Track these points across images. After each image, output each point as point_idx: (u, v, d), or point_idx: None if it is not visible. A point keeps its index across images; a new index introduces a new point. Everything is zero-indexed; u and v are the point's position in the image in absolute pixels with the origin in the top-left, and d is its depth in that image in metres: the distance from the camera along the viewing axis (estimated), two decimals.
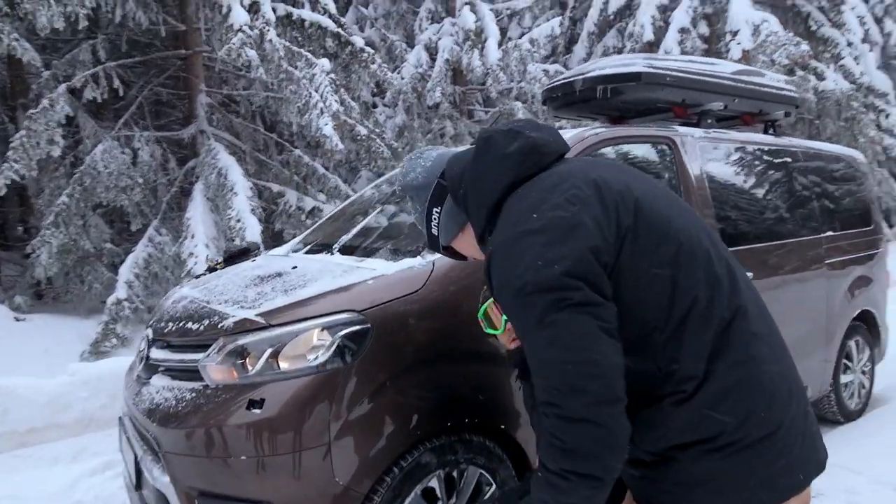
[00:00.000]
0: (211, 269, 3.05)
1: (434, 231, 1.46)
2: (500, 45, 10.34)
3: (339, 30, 8.14)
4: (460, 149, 1.57)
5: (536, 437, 1.87)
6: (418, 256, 2.19)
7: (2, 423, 3.58)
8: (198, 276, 3.09)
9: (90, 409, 3.66)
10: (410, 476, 1.95)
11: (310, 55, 7.33)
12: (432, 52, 11.02)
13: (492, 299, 1.81)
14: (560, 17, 12.25)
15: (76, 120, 7.42)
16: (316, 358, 1.89)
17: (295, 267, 2.41)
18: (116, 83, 7.20)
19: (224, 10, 6.80)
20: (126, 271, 6.80)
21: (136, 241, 7.25)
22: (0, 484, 3.15)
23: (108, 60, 7.50)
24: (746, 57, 9.44)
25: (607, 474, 1.05)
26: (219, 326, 2.02)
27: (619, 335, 1.09)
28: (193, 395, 1.98)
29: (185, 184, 7.99)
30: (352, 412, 1.88)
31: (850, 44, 11.33)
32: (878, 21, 14.08)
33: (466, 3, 10.23)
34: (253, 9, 6.98)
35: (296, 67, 7.20)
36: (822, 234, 3.52)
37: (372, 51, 8.35)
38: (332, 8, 8.45)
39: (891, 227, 13.99)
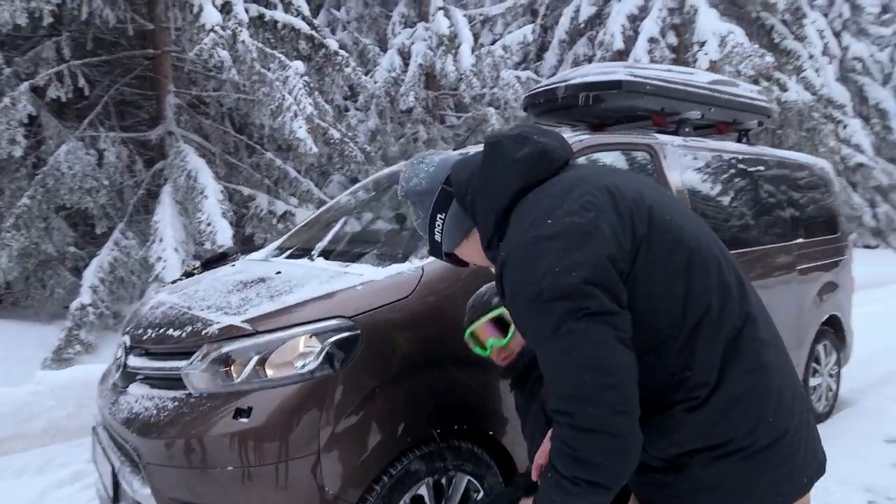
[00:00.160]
0: (188, 274, 2.97)
1: (437, 237, 1.43)
2: (472, 50, 10.38)
3: (313, 32, 8.06)
4: (464, 152, 1.55)
5: (528, 445, 1.87)
6: (406, 262, 2.18)
7: None
8: (174, 282, 3.01)
9: (57, 418, 3.52)
10: (400, 484, 1.93)
11: (283, 57, 7.24)
12: (405, 56, 11.00)
13: (478, 321, 1.81)
14: (532, 25, 12.37)
15: (39, 119, 7.17)
16: (304, 365, 1.86)
17: (279, 272, 2.37)
18: (82, 82, 6.99)
19: (195, 10, 6.67)
20: (91, 276, 6.59)
21: (101, 245, 7.02)
22: None
23: (73, 58, 7.28)
24: (713, 67, 9.66)
25: (617, 483, 1.06)
26: (202, 333, 1.97)
27: (632, 343, 1.09)
28: (176, 403, 1.93)
29: (152, 186, 7.79)
30: (341, 420, 1.85)
31: (811, 56, 11.71)
32: (837, 35, 14.58)
33: (440, 9, 10.25)
34: (225, 9, 6.86)
35: (269, 69, 7.10)
36: (794, 241, 3.61)
37: (346, 54, 8.29)
38: (306, 10, 8.36)
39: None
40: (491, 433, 2.15)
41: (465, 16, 11.18)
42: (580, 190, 1.16)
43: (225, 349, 1.90)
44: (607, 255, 1.08)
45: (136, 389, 2.15)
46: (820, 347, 3.96)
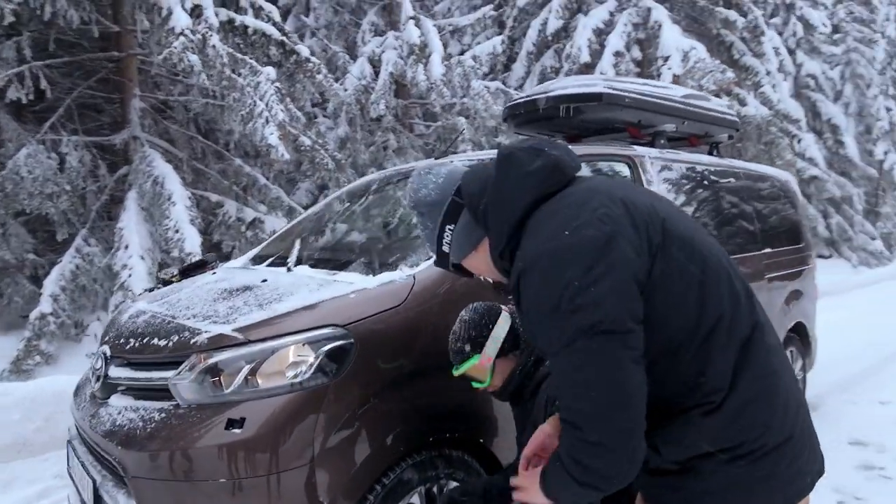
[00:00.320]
0: (165, 283, 2.91)
1: (445, 248, 1.44)
2: (443, 60, 10.43)
3: (284, 38, 7.99)
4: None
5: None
6: (397, 270, 2.18)
7: None
8: (151, 290, 2.94)
9: (23, 432, 3.37)
10: (393, 493, 1.92)
11: (254, 63, 7.16)
12: (375, 64, 10.99)
13: (460, 368, 1.81)
14: (501, 36, 12.52)
15: None
16: (297, 374, 1.84)
17: (265, 280, 2.34)
18: (43, 84, 6.79)
19: (164, 13, 6.55)
20: (51, 284, 6.36)
21: (62, 252, 6.80)
22: None
23: (35, 59, 7.07)
24: (677, 81, 9.92)
25: (613, 489, 1.12)
26: (191, 343, 1.93)
27: (646, 355, 1.11)
28: (163, 415, 1.88)
29: (116, 192, 7.59)
30: (335, 430, 1.83)
31: (768, 73, 12.12)
32: (791, 53, 15.13)
33: (411, 18, 10.29)
34: (195, 12, 6.75)
35: (239, 75, 7.02)
36: (763, 251, 3.74)
37: (318, 61, 8.24)
38: (276, 15, 8.29)
39: None
40: (481, 440, 2.16)
41: (434, 26, 11.25)
42: (595, 202, 1.18)
43: (214, 359, 1.86)
44: (625, 269, 1.11)
45: (118, 401, 2.09)
46: (787, 353, 4.09)
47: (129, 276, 6.10)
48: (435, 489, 2.05)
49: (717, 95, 10.31)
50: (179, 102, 8.60)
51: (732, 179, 3.70)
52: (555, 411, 1.63)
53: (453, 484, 2.07)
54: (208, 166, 8.76)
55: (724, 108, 3.85)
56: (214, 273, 2.80)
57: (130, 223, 6.68)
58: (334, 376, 1.86)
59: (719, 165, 3.67)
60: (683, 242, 1.19)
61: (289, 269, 2.52)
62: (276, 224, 7.87)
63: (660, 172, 3.12)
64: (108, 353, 2.21)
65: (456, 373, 1.82)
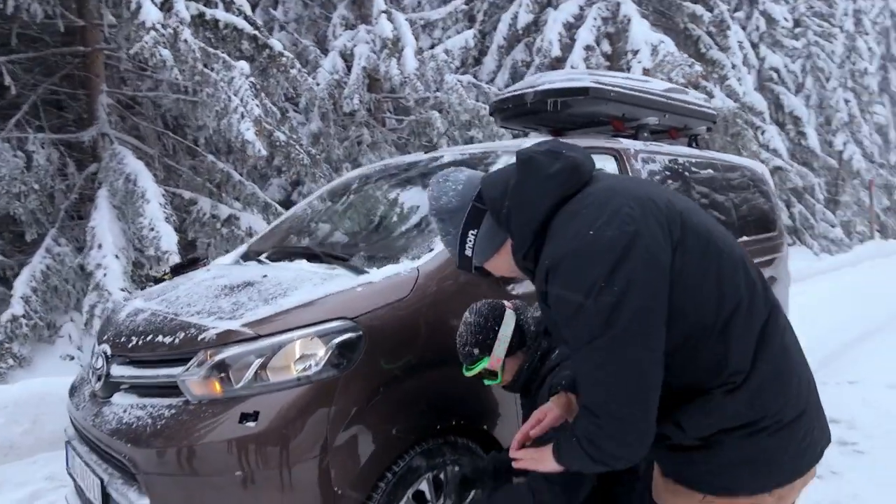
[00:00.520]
0: (157, 280, 2.88)
1: (468, 252, 1.48)
2: (416, 54, 10.42)
3: (256, 32, 7.89)
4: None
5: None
6: (400, 263, 2.21)
7: None
8: (142, 288, 2.91)
9: (10, 435, 3.30)
10: (403, 480, 1.96)
11: (227, 57, 7.06)
12: (347, 58, 10.92)
13: (471, 370, 1.83)
14: (473, 30, 12.55)
15: None
16: (308, 367, 1.86)
17: (265, 276, 2.34)
18: (7, 80, 6.59)
19: (133, 7, 6.41)
20: (22, 285, 6.19)
21: (32, 253, 6.63)
22: None
23: None
24: (647, 74, 10.11)
25: (627, 465, 1.22)
26: (198, 339, 1.93)
27: (667, 345, 1.18)
28: (173, 411, 1.88)
29: (85, 190, 7.42)
30: (347, 420, 1.86)
31: (734, 66, 12.43)
32: (755, 46, 15.52)
33: (383, 12, 10.24)
34: (165, 6, 6.63)
35: (212, 70, 6.91)
36: (740, 238, 3.86)
37: (291, 55, 8.16)
38: (248, 9, 8.17)
39: None
40: (485, 427, 2.21)
41: (406, 20, 11.22)
42: (616, 203, 1.23)
43: (225, 354, 1.87)
44: (648, 268, 1.16)
45: (121, 399, 2.08)
46: None
47: (104, 275, 5.98)
48: (442, 475, 2.10)
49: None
50: (148, 98, 8.43)
51: (711, 170, 3.81)
52: (557, 390, 1.69)
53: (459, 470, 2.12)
54: (179, 163, 8.60)
55: (702, 102, 3.97)
56: (208, 270, 2.79)
57: (103, 222, 6.53)
58: (345, 368, 1.89)
59: (699, 157, 3.78)
60: (700, 235, 1.25)
61: (290, 262, 2.53)
62: (252, 221, 7.79)
63: (645, 165, 3.21)
64: (109, 351, 2.19)
65: (468, 373, 1.85)
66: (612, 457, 1.21)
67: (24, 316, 6.02)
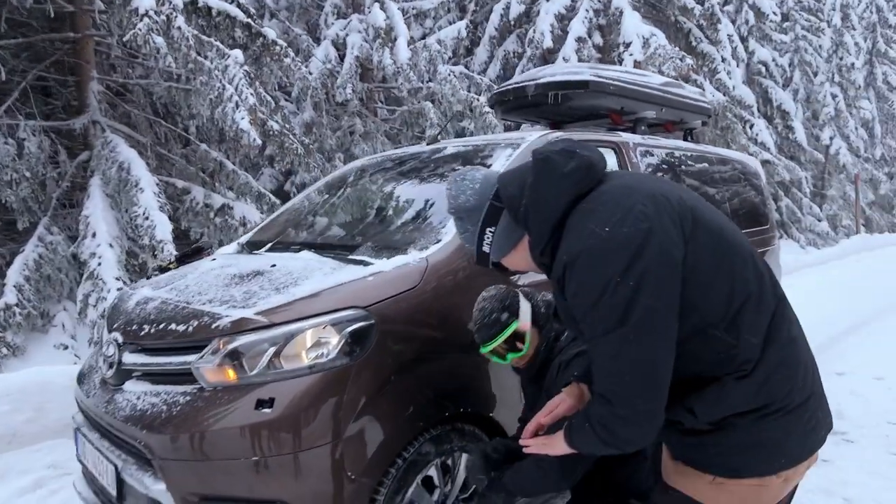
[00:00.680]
0: (163, 269, 2.90)
1: (486, 248, 1.53)
2: (409, 44, 10.40)
3: (250, 20, 7.84)
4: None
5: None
6: (409, 253, 2.24)
7: None
8: (148, 277, 2.92)
9: (14, 423, 3.31)
10: (413, 466, 2.01)
11: (221, 45, 7.02)
12: (339, 47, 10.88)
13: (495, 341, 1.87)
14: (465, 21, 12.53)
15: None
16: (322, 355, 1.90)
17: (274, 265, 2.37)
18: None
19: None
20: (15, 274, 6.16)
21: (24, 241, 6.59)
22: None
23: None
24: (638, 67, 10.17)
25: (637, 449, 1.30)
26: (212, 327, 1.96)
27: (679, 336, 1.24)
28: (188, 398, 1.92)
29: (77, 178, 7.37)
30: (360, 407, 1.90)
31: (723, 59, 12.53)
32: (744, 40, 15.63)
33: (376, 1, 10.20)
34: None
35: (206, 58, 6.87)
36: None
37: (284, 44, 8.12)
38: None
39: None
40: (491, 415, 2.26)
41: (398, 9, 11.18)
42: (631, 200, 1.28)
43: (239, 342, 1.90)
44: (662, 264, 1.22)
45: (134, 386, 2.11)
46: None
47: (99, 264, 5.96)
48: (449, 461, 2.15)
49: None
50: (140, 86, 8.36)
51: (706, 164, 3.88)
52: (569, 378, 1.74)
53: (465, 456, 2.18)
54: (171, 151, 8.56)
55: (698, 96, 4.02)
56: (214, 259, 2.81)
57: (96, 210, 6.50)
58: (357, 357, 1.93)
59: (694, 150, 3.84)
60: (712, 231, 1.31)
61: (297, 252, 2.56)
62: (246, 210, 7.78)
63: (643, 158, 3.26)
64: (121, 339, 2.21)
65: (488, 348, 1.89)
66: (624, 441, 1.27)
67: (17, 305, 6.00)
